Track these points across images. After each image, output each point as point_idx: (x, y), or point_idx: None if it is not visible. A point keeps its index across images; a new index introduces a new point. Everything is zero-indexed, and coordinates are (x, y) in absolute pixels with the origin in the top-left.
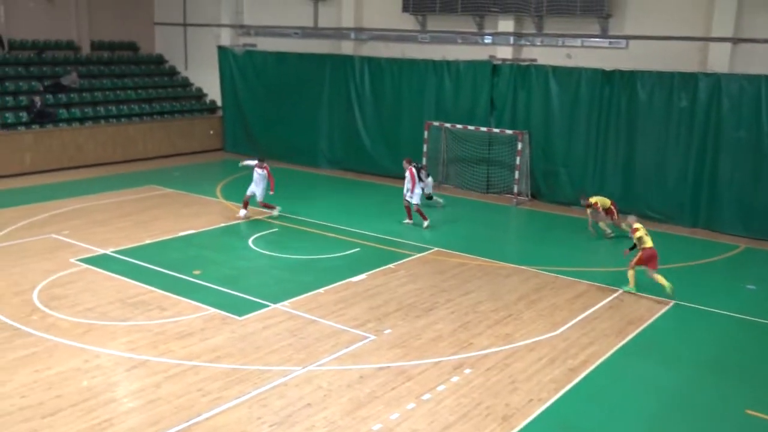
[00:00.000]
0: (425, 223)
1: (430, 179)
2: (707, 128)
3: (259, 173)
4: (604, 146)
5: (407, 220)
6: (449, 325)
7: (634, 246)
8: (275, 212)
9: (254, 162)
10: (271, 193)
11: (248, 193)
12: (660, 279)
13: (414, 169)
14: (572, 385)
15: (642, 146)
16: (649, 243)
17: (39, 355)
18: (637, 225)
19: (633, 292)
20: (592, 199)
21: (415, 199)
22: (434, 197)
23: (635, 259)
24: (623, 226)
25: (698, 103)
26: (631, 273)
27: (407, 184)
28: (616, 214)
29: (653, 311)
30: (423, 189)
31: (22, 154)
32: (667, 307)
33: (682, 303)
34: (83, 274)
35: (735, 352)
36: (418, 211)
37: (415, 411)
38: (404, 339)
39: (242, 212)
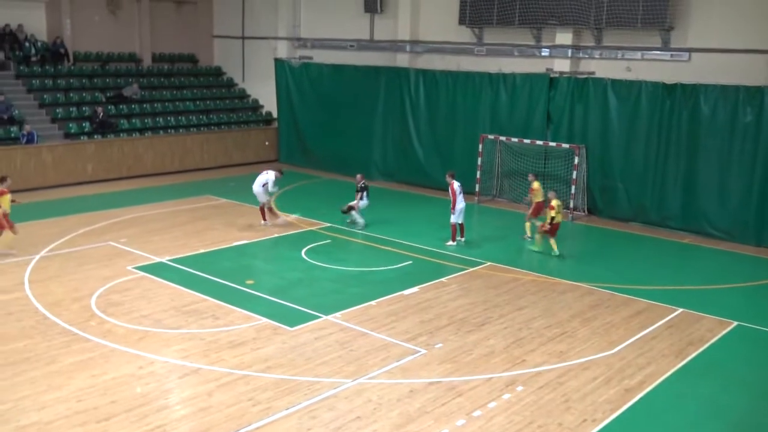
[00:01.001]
0: (357, 221)
1: (365, 201)
2: None
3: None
4: (664, 161)
5: (451, 242)
6: (501, 341)
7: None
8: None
9: (274, 176)
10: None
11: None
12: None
13: (455, 185)
14: (628, 406)
15: (704, 162)
16: (557, 219)
17: (95, 360)
18: (553, 203)
19: (537, 250)
20: (535, 185)
21: (453, 218)
22: (356, 217)
23: (541, 226)
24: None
25: (764, 118)
26: (538, 237)
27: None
28: (535, 212)
29: (715, 332)
30: (360, 205)
31: (84, 163)
32: (729, 328)
33: (746, 324)
34: (139, 282)
35: None
36: (453, 228)
37: (465, 428)
38: (455, 354)
39: (281, 219)
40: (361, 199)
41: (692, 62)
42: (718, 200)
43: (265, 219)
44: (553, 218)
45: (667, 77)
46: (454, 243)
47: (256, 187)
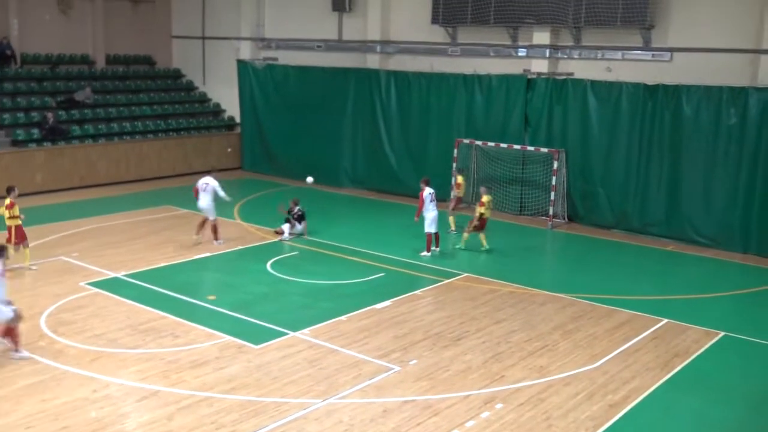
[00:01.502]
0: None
1: (302, 226)
2: (758, 146)
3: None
4: (646, 166)
5: (425, 253)
6: (479, 356)
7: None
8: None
9: (212, 179)
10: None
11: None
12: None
13: (426, 192)
14: (612, 422)
15: (688, 166)
16: (486, 215)
17: (46, 383)
18: (483, 199)
19: (462, 248)
20: (460, 179)
21: (426, 226)
22: (289, 232)
23: (470, 225)
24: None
25: (749, 120)
26: (465, 235)
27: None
28: (455, 203)
29: (701, 343)
30: (296, 227)
31: (33, 172)
32: (715, 339)
33: (733, 334)
34: (93, 299)
35: None
36: (428, 237)
37: None
38: (431, 371)
39: (217, 241)
40: (293, 226)
41: (674, 62)
42: (702, 206)
43: (217, 237)
44: (482, 214)
45: (649, 78)
46: (429, 253)
47: (205, 203)
